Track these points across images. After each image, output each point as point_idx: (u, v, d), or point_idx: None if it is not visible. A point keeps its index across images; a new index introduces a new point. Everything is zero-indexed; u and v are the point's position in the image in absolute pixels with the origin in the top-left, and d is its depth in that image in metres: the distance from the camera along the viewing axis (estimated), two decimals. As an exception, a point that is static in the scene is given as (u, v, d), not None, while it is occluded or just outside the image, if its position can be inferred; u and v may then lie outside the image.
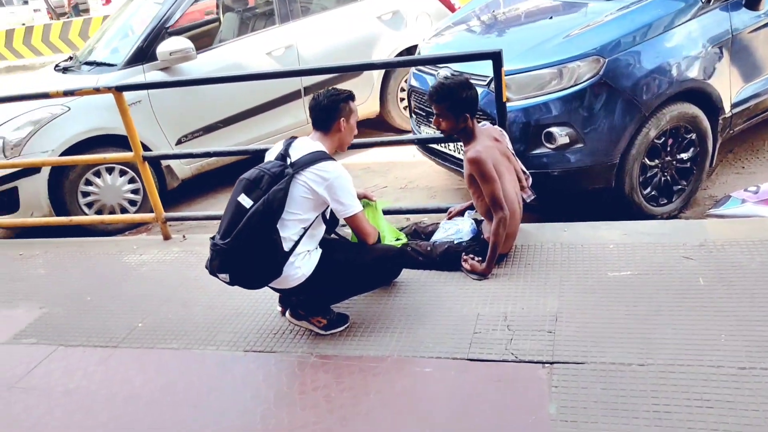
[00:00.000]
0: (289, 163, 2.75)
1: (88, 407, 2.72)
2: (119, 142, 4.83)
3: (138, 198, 5.01)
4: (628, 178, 3.64)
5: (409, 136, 4.03)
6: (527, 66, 3.63)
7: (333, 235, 3.06)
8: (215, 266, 2.68)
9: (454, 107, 3.04)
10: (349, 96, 2.94)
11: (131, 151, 4.80)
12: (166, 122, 4.99)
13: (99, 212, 4.92)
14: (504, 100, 3.28)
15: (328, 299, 2.96)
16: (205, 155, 3.96)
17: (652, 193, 3.81)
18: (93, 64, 5.16)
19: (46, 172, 4.65)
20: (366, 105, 5.81)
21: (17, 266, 4.22)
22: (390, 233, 3.16)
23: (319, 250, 2.87)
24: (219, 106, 5.14)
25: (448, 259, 3.30)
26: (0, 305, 3.72)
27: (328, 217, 2.89)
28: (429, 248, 3.34)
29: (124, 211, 4.99)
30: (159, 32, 4.97)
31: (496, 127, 3.33)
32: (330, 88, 3.01)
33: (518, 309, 2.89)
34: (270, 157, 2.88)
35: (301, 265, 2.77)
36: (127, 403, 2.72)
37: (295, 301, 2.95)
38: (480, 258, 3.23)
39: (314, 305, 2.94)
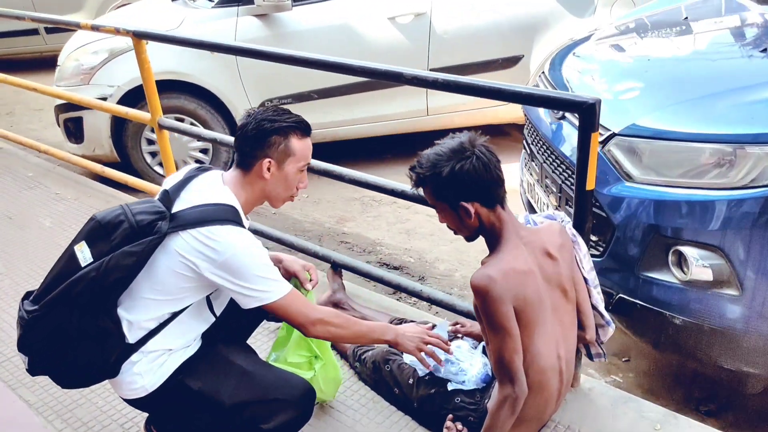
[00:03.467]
0: (171, 212, 1.72)
1: None
2: (193, 90, 4.15)
3: (206, 158, 4.31)
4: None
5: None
6: (679, 129, 2.07)
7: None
8: (17, 339, 1.78)
9: (440, 194, 1.75)
10: (292, 126, 1.79)
11: (204, 101, 4.17)
12: (250, 80, 4.15)
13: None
14: (588, 187, 1.83)
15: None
16: (212, 141, 3.08)
17: None
18: (202, -4, 4.47)
19: (110, 109, 4.12)
20: (517, 106, 4.42)
21: (41, 208, 3.79)
22: (297, 349, 2.00)
23: (189, 353, 1.83)
24: (316, 73, 4.15)
25: (428, 409, 2.05)
26: (-18, 253, 3.29)
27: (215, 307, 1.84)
28: (411, 381, 2.11)
29: (189, 169, 4.34)
30: (263, -31, 4.07)
31: (565, 227, 1.91)
32: (277, 106, 1.86)
33: None
34: (165, 186, 1.87)
35: (145, 371, 1.76)
36: None
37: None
38: (470, 436, 1.93)
39: (172, 429, 1.93)
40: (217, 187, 1.80)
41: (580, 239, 1.91)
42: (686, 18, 2.74)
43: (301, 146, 1.81)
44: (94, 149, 4.29)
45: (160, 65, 3.94)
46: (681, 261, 2.06)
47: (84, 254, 1.67)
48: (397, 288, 2.61)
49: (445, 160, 1.68)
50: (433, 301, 2.48)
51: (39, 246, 3.32)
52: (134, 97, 4.05)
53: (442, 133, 4.87)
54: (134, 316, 1.73)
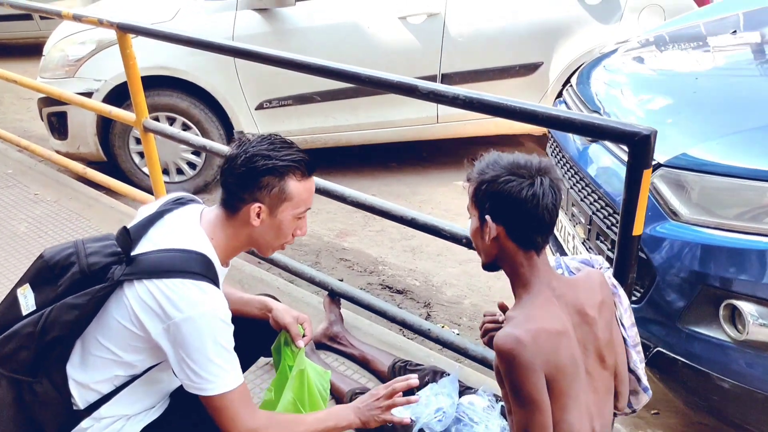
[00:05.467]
0: (129, 255, 1.43)
1: None
2: (187, 87, 3.86)
3: (199, 161, 4.03)
4: None
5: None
6: (737, 164, 1.78)
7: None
8: None
9: (476, 197, 1.45)
10: (291, 166, 1.49)
11: (199, 99, 3.88)
12: (248, 78, 3.86)
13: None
14: (635, 232, 1.55)
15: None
16: (201, 148, 2.79)
17: None
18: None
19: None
20: (530, 117, 4.13)
21: (17, 210, 3.51)
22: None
23: (152, 417, 1.55)
24: (319, 74, 3.87)
25: (435, 479, 1.77)
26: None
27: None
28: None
29: (181, 172, 4.06)
30: (266, -41, 3.76)
31: (605, 276, 1.62)
32: (275, 136, 1.55)
33: None
34: (138, 217, 1.57)
35: (96, 440, 1.48)
36: None
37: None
38: None
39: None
40: (190, 227, 1.50)
41: (621, 291, 1.62)
42: (735, 31, 2.45)
43: (300, 190, 1.51)
44: (79, 147, 4.00)
45: (151, 60, 3.69)
46: (735, 317, 1.78)
47: (27, 300, 1.39)
48: (402, 325, 2.33)
49: (500, 167, 1.40)
50: (442, 343, 2.20)
51: (10, 255, 3.03)
52: (123, 92, 3.76)
53: (452, 142, 4.59)
54: (84, 376, 1.45)
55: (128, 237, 1.45)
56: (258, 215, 1.48)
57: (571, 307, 1.51)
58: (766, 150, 1.79)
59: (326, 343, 2.40)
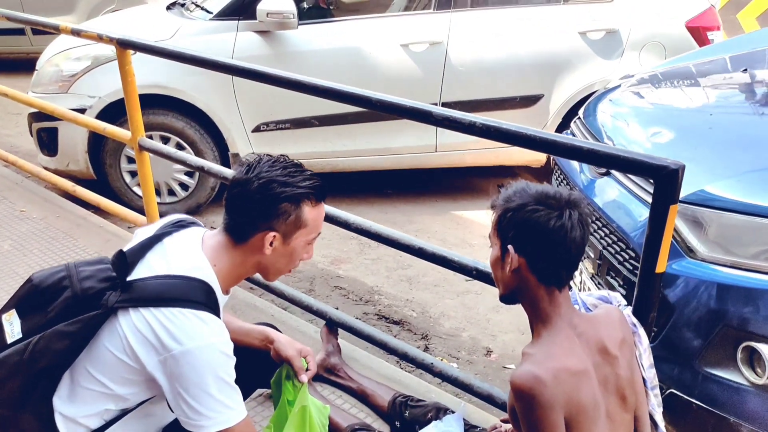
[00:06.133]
0: (124, 281, 1.34)
1: None
2: (182, 107, 3.79)
3: (192, 182, 3.94)
4: None
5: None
6: (758, 203, 1.74)
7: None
8: None
9: (499, 225, 1.38)
10: (308, 193, 1.42)
11: (194, 119, 3.82)
12: (246, 100, 3.80)
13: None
14: (658, 270, 1.49)
15: None
16: (199, 169, 2.73)
17: None
18: (198, 8, 4.11)
19: (88, 121, 3.74)
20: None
21: (2, 228, 3.39)
22: None
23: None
24: (318, 98, 3.82)
25: None
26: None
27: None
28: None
29: (172, 193, 3.96)
30: (271, -19, 3.73)
31: (624, 313, 1.55)
32: (286, 159, 1.49)
33: None
34: (135, 240, 1.49)
35: (84, 477, 1.37)
36: None
37: None
38: None
39: None
40: (192, 253, 1.42)
41: (641, 330, 1.56)
42: (746, 69, 2.44)
43: (314, 216, 1.46)
44: (69, 164, 3.90)
45: (148, 78, 3.62)
46: (753, 359, 1.72)
47: (13, 327, 1.30)
48: (404, 358, 2.24)
49: (527, 195, 1.34)
50: (445, 378, 2.11)
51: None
52: (117, 110, 3.67)
53: (450, 171, 4.54)
54: (72, 409, 1.36)
55: (124, 261, 1.37)
56: (271, 243, 1.41)
57: (593, 346, 1.44)
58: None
59: (323, 375, 2.30)
